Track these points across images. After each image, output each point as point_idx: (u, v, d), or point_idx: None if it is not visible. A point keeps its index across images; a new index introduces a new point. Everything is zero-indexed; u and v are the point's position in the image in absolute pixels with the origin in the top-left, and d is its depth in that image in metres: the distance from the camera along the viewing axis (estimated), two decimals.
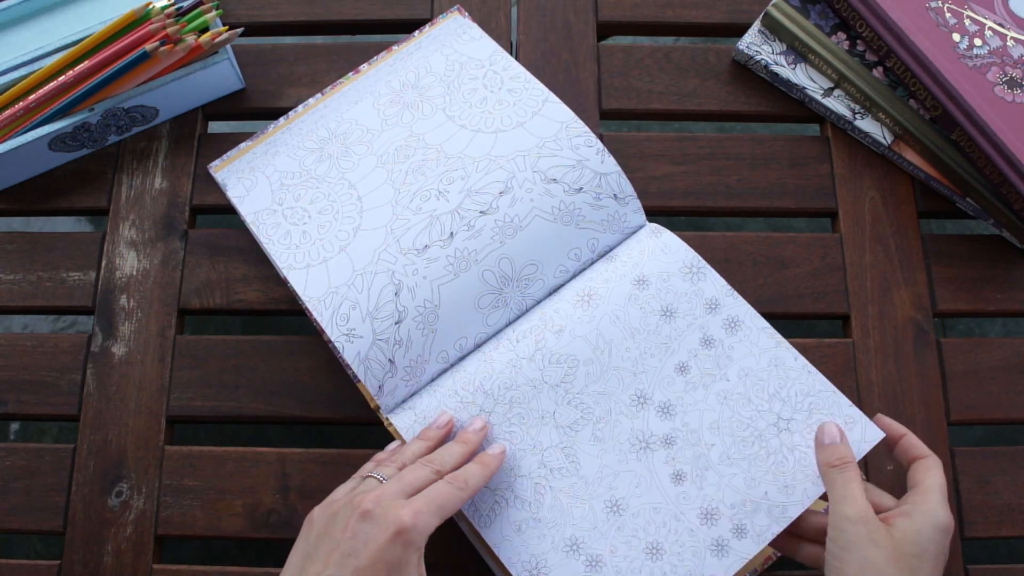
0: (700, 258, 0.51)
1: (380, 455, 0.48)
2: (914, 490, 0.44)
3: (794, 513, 0.45)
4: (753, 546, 0.45)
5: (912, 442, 0.46)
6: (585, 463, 0.47)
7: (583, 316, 0.49)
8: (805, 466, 0.47)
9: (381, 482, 0.43)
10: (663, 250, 0.51)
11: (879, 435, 0.47)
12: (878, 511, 0.43)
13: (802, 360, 0.49)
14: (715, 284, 0.50)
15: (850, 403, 0.48)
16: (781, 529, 0.45)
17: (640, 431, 0.47)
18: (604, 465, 0.47)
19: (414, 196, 0.52)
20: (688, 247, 0.51)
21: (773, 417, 0.48)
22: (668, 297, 0.50)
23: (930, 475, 0.44)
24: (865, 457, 0.53)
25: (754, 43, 0.61)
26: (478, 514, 0.46)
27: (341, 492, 0.44)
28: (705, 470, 0.47)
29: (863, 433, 0.47)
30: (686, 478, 0.47)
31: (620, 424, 0.48)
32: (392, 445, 0.49)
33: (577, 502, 0.46)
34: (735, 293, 0.50)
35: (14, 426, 0.93)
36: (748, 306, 0.50)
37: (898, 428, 0.47)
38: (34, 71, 0.59)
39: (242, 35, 0.59)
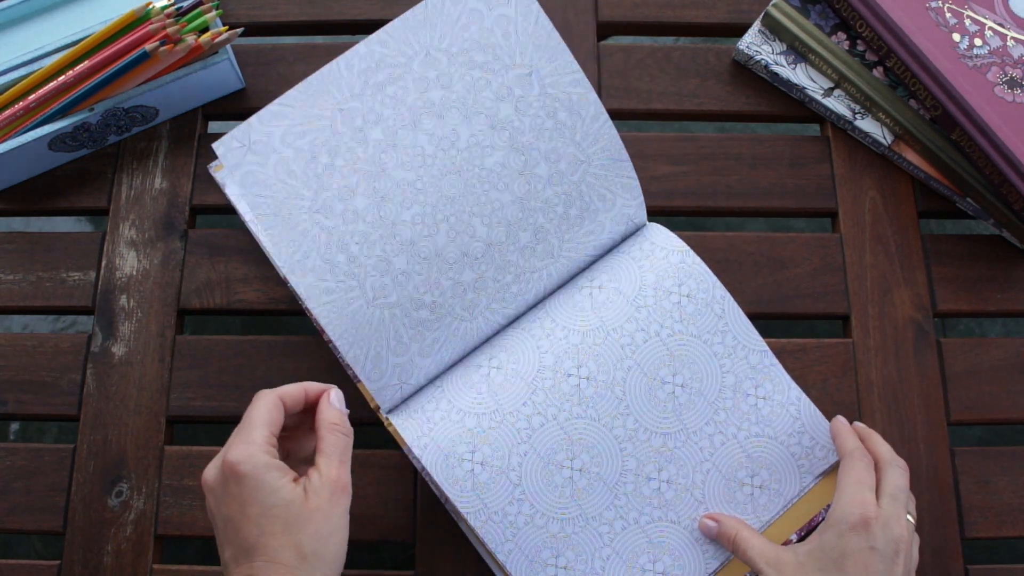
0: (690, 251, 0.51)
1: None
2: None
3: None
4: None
5: (837, 440, 0.48)
6: (584, 463, 0.47)
7: (584, 318, 0.49)
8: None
9: None
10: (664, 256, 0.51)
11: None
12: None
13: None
14: (705, 277, 0.51)
15: (820, 414, 0.51)
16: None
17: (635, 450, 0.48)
18: (602, 475, 0.47)
19: (429, 193, 0.52)
20: (681, 245, 0.51)
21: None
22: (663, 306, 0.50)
23: (842, 474, 0.46)
24: None
25: (754, 43, 0.61)
26: (477, 515, 0.46)
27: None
28: (692, 474, 0.49)
29: (831, 442, 0.51)
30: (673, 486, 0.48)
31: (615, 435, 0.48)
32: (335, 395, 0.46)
33: (576, 500, 0.47)
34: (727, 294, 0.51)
35: (14, 426, 0.93)
36: (736, 306, 0.51)
37: (835, 429, 0.49)
38: (34, 71, 0.59)
39: (242, 35, 0.59)
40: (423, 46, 0.47)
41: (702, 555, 0.48)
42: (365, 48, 0.47)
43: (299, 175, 0.46)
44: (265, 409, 0.41)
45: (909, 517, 0.44)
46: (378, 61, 0.47)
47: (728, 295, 0.50)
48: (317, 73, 0.47)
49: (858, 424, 0.50)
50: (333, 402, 0.43)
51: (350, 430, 0.43)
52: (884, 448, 0.47)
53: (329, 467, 0.40)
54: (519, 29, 0.48)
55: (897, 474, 0.45)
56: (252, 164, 0.46)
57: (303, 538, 0.38)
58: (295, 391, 0.43)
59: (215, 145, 0.46)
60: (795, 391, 0.51)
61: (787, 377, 0.51)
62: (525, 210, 0.50)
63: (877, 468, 0.46)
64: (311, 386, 0.44)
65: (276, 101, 0.46)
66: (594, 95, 0.50)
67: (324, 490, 0.39)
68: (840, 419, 0.50)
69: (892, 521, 0.43)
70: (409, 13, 0.47)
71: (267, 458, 0.39)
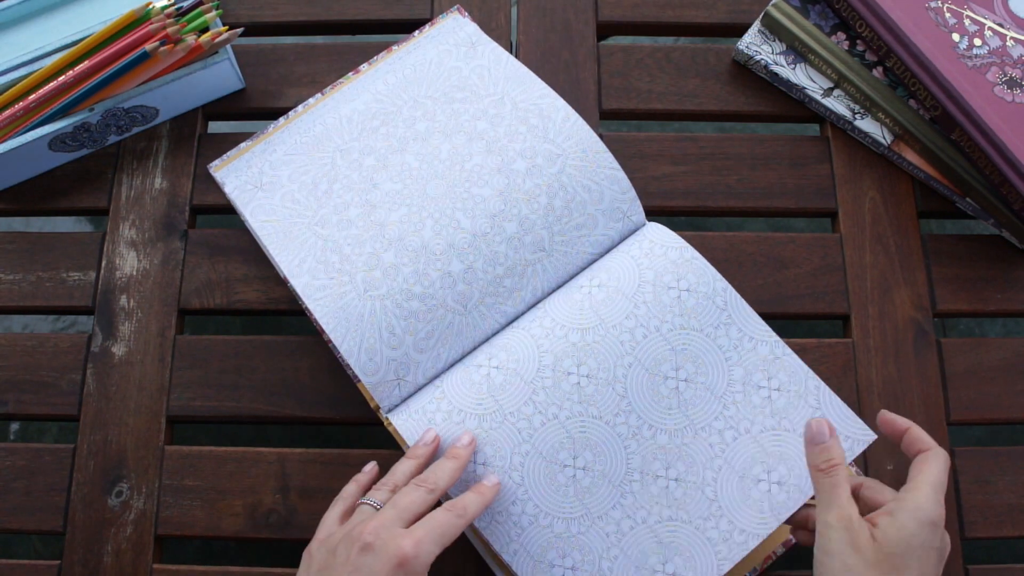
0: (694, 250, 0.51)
1: (361, 477, 0.48)
2: (906, 485, 0.44)
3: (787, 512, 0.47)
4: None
5: (915, 435, 0.46)
6: (587, 462, 0.47)
7: (583, 316, 0.49)
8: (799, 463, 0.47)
9: (376, 509, 0.42)
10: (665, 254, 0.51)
11: (871, 437, 0.47)
12: (876, 507, 0.43)
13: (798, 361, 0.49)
14: (707, 273, 0.50)
15: (842, 403, 0.48)
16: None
17: (637, 446, 0.48)
18: (606, 469, 0.47)
19: (414, 197, 0.52)
20: (685, 244, 0.51)
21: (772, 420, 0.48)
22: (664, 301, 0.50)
23: (925, 468, 0.44)
24: (865, 455, 0.53)
25: (754, 43, 0.61)
26: (482, 516, 0.46)
27: (330, 521, 0.44)
28: (702, 471, 0.47)
29: (855, 433, 0.47)
30: (682, 483, 0.47)
31: (618, 434, 0.48)
32: (368, 467, 0.49)
33: (580, 501, 0.47)
34: (733, 292, 0.50)
35: (14, 426, 0.93)
36: (745, 305, 0.50)
37: (902, 422, 0.46)
38: (34, 71, 0.59)
39: (242, 35, 0.59)
40: (411, 97, 0.56)
41: (715, 556, 0.47)
42: (363, 106, 0.56)
43: (301, 200, 0.53)
44: (451, 528, 0.42)
45: None
46: (374, 113, 0.56)
47: (729, 287, 0.50)
48: (323, 127, 0.56)
49: (897, 416, 0.48)
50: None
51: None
52: (928, 438, 0.46)
53: None
54: (492, 72, 0.56)
55: (943, 467, 0.44)
56: (262, 199, 0.54)
57: None
58: (481, 508, 0.45)
59: (228, 189, 0.55)
60: (813, 380, 0.49)
61: (803, 366, 0.49)
62: (507, 202, 0.51)
63: (921, 457, 0.45)
64: (489, 493, 0.46)
65: (285, 151, 0.55)
66: (562, 102, 0.54)
67: None
68: (888, 413, 0.47)
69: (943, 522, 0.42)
70: (399, 73, 0.57)
71: (424, 571, 0.40)
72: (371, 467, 0.49)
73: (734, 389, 0.49)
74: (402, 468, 0.45)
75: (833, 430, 0.44)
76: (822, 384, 0.49)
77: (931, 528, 0.41)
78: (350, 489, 0.47)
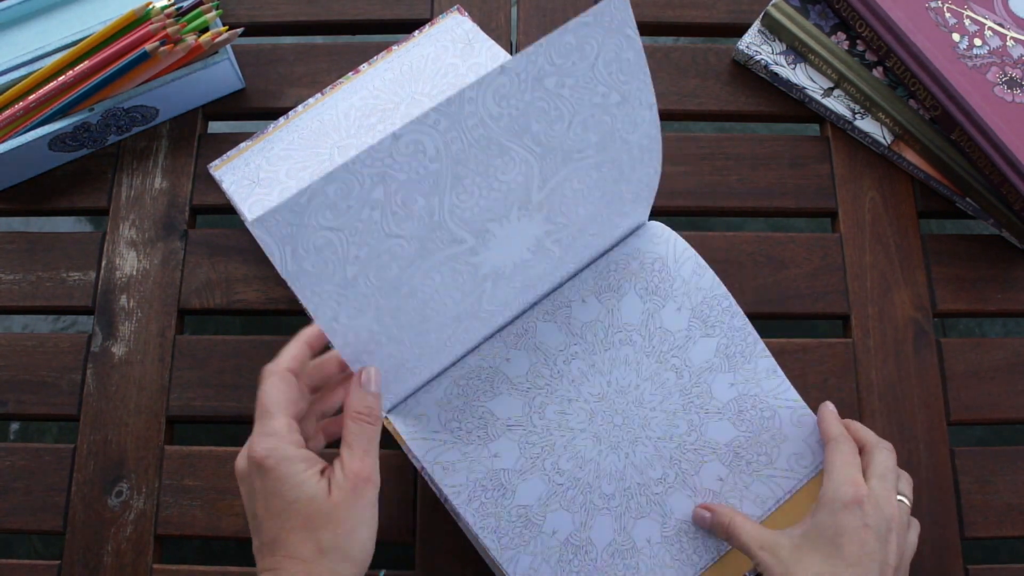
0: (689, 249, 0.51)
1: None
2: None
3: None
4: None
5: (823, 426, 0.48)
6: (581, 456, 0.47)
7: (582, 320, 0.49)
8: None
9: None
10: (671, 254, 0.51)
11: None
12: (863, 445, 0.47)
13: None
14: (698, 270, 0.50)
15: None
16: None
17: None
18: (596, 458, 0.47)
19: None
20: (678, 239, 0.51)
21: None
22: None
23: (830, 457, 0.46)
24: None
25: (754, 43, 0.61)
26: (473, 515, 0.46)
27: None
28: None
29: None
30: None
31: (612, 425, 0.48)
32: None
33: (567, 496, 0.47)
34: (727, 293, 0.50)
35: (14, 426, 0.93)
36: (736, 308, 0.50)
37: (820, 416, 0.49)
38: (34, 71, 0.59)
39: (242, 35, 0.59)
40: (408, 93, 0.57)
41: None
42: (361, 102, 0.57)
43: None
44: (277, 390, 0.40)
45: (902, 498, 0.45)
46: (371, 110, 0.57)
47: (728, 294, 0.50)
48: (320, 123, 0.57)
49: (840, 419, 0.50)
50: (365, 385, 0.41)
51: (377, 417, 0.41)
52: (867, 432, 0.48)
53: (352, 458, 0.39)
54: (489, 69, 0.55)
55: (884, 455, 0.46)
56: (260, 195, 0.54)
57: (323, 534, 0.37)
58: (299, 352, 0.42)
59: (226, 186, 0.56)
60: (786, 392, 0.50)
61: (777, 374, 0.51)
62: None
63: (863, 452, 0.47)
64: (310, 334, 0.42)
65: (282, 147, 0.56)
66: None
67: (347, 482, 0.38)
68: (828, 406, 0.50)
69: (883, 500, 0.43)
70: (397, 70, 0.58)
71: (291, 450, 0.38)
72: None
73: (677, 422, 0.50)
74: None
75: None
76: (789, 389, 0.51)
77: (854, 508, 0.43)
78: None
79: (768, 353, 0.51)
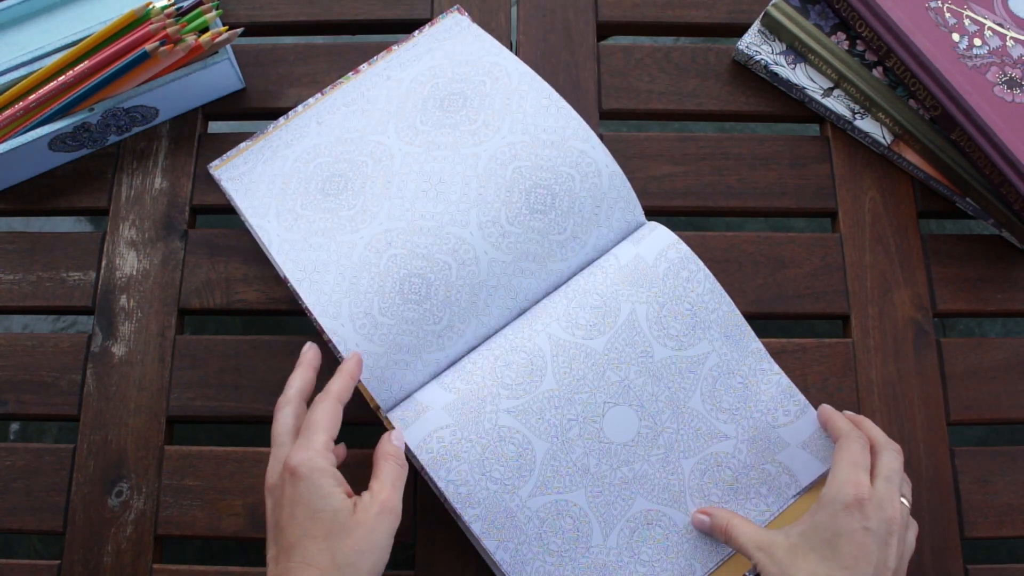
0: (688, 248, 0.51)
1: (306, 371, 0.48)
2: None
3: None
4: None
5: (830, 425, 0.48)
6: (575, 456, 0.47)
7: (582, 321, 0.49)
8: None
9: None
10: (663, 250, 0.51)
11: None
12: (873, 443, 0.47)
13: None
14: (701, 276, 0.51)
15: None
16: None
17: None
18: (594, 463, 0.47)
19: (416, 198, 0.52)
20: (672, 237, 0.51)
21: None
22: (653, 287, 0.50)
23: (837, 455, 0.45)
24: None
25: (754, 43, 0.61)
26: (473, 514, 0.46)
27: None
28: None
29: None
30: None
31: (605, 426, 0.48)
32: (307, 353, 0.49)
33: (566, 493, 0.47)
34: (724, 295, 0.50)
35: (14, 426, 0.93)
36: (733, 306, 0.51)
37: (826, 415, 0.49)
38: (34, 71, 0.59)
39: (242, 35, 0.59)
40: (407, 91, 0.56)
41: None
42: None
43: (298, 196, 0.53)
44: (325, 414, 0.43)
45: (904, 500, 0.44)
46: (355, 98, 0.57)
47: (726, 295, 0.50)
48: (319, 122, 0.56)
49: (847, 412, 0.50)
50: (392, 440, 0.45)
51: (405, 463, 0.44)
52: (877, 432, 0.48)
53: (381, 489, 0.42)
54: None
55: (891, 456, 0.45)
56: (260, 195, 0.54)
57: (341, 547, 0.39)
58: (347, 384, 0.45)
59: (226, 186, 0.55)
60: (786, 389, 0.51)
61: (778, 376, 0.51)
62: (501, 197, 0.51)
63: (872, 451, 0.46)
64: (354, 368, 0.46)
65: (282, 147, 0.55)
66: (559, 98, 0.54)
67: (373, 507, 0.41)
68: (826, 407, 0.50)
69: (886, 502, 0.43)
70: (396, 68, 0.57)
71: (325, 464, 0.41)
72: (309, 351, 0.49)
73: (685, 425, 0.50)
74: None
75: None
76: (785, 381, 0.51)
77: (853, 509, 0.42)
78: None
79: (768, 355, 0.51)
